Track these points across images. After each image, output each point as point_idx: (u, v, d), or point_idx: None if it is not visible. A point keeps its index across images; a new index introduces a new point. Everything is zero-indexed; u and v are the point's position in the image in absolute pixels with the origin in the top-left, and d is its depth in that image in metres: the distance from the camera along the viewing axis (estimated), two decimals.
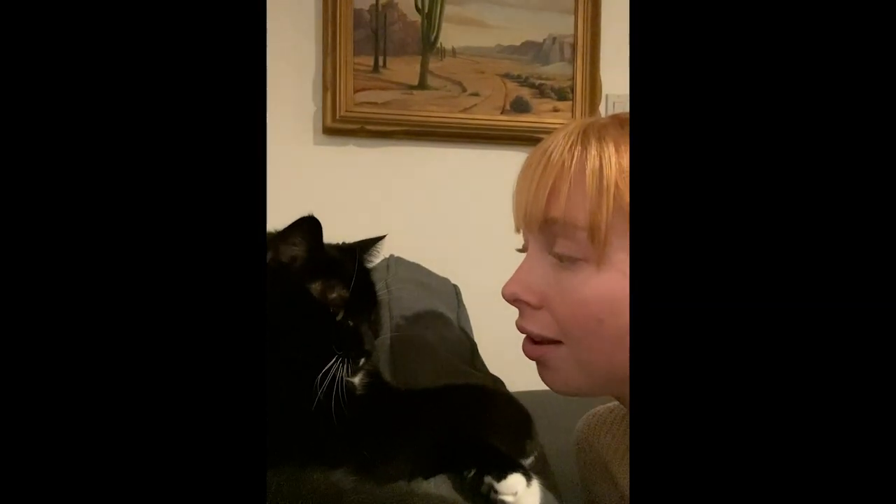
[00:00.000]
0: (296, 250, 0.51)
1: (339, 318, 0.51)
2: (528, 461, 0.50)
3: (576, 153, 0.54)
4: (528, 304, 0.57)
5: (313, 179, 1.46)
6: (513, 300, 0.58)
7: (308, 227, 0.50)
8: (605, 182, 0.52)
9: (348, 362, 0.49)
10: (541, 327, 0.57)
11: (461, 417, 0.51)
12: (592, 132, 0.55)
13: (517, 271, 0.59)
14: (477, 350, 0.71)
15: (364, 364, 0.52)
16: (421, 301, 0.74)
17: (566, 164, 0.54)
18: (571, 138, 0.55)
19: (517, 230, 0.61)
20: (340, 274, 0.52)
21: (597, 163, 0.53)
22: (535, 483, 0.47)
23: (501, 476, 0.46)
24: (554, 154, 0.55)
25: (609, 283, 0.53)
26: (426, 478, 0.48)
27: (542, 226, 0.56)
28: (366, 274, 0.56)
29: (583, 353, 0.55)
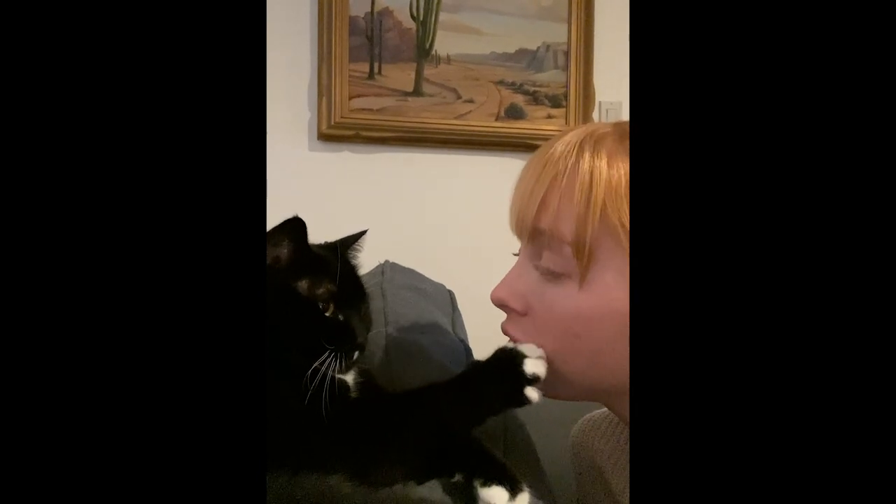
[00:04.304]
0: (279, 251, 0.51)
1: (329, 313, 0.51)
2: (535, 400, 0.50)
3: (569, 164, 0.53)
4: (513, 309, 0.58)
5: (308, 185, 1.46)
6: (500, 304, 0.59)
7: (292, 228, 0.50)
8: (592, 198, 0.51)
9: (342, 357, 0.49)
10: (523, 334, 0.57)
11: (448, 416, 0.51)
12: (588, 143, 0.54)
13: (507, 276, 0.59)
14: (472, 356, 0.71)
15: (358, 358, 0.52)
16: (416, 307, 0.74)
17: (559, 174, 0.53)
18: (568, 147, 0.54)
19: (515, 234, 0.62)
20: (326, 269, 0.52)
21: (587, 177, 0.52)
22: (524, 497, 0.46)
23: (486, 483, 0.46)
24: (549, 162, 0.55)
25: (589, 301, 0.53)
26: (419, 482, 0.48)
27: (531, 235, 0.56)
28: (351, 269, 0.56)
29: (559, 365, 0.54)
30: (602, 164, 0.52)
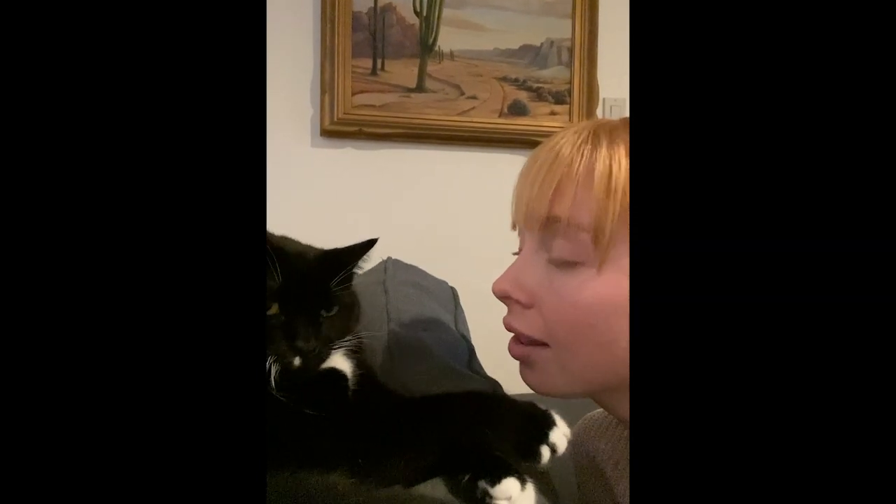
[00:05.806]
0: None
1: (270, 310, 0.46)
2: (544, 461, 0.48)
3: (585, 152, 0.53)
4: (517, 302, 0.57)
5: (311, 181, 1.46)
6: (503, 297, 0.58)
7: None
8: (613, 185, 0.52)
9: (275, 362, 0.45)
10: (528, 327, 0.57)
11: (462, 424, 0.50)
12: (604, 133, 0.54)
13: (510, 268, 0.59)
14: (474, 353, 0.71)
15: (301, 364, 0.47)
16: (418, 303, 0.74)
17: (574, 162, 0.53)
18: (581, 137, 0.55)
19: (513, 227, 0.61)
20: (272, 262, 0.46)
21: (607, 164, 0.52)
22: (530, 487, 0.46)
23: (495, 481, 0.45)
24: (562, 152, 0.55)
25: (607, 288, 0.53)
26: (421, 481, 0.48)
27: (544, 224, 0.55)
28: (322, 265, 0.51)
29: (566, 357, 0.54)
30: (621, 152, 0.53)
